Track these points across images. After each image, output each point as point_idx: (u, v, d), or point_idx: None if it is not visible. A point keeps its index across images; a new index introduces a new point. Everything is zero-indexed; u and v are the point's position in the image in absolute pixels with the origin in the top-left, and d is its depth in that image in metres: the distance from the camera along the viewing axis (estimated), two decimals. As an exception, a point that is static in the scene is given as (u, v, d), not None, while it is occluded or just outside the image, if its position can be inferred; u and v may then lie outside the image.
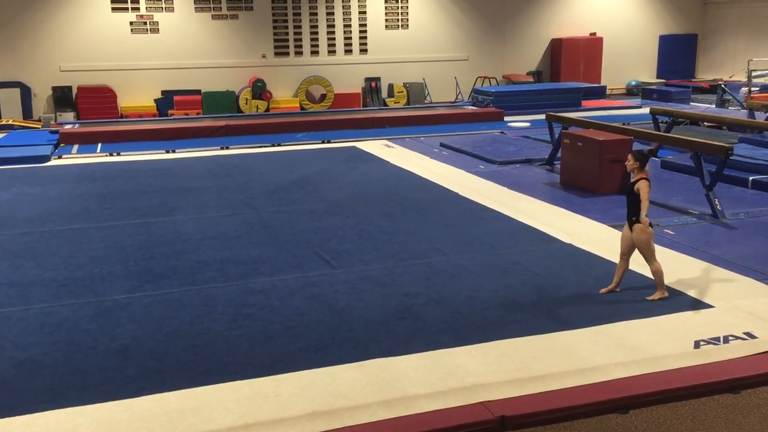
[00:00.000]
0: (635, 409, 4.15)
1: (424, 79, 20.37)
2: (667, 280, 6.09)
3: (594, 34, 22.04)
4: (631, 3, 22.73)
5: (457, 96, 20.57)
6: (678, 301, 5.73)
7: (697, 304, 5.66)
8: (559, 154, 10.72)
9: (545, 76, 22.03)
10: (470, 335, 5.18)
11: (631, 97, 21.23)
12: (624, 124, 12.56)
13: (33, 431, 4.05)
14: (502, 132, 15.12)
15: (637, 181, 5.70)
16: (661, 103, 17.88)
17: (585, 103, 18.40)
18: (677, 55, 23.07)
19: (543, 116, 12.40)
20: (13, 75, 17.41)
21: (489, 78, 21.00)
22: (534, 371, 4.62)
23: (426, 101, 20.18)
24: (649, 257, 5.73)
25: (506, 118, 16.66)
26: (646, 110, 15.30)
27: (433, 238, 7.56)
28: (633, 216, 5.70)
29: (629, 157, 5.82)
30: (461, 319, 5.50)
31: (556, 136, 11.22)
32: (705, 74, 23.25)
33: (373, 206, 9.00)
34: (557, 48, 21.80)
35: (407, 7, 20.35)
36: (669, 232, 7.68)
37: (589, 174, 9.56)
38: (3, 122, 16.43)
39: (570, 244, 7.32)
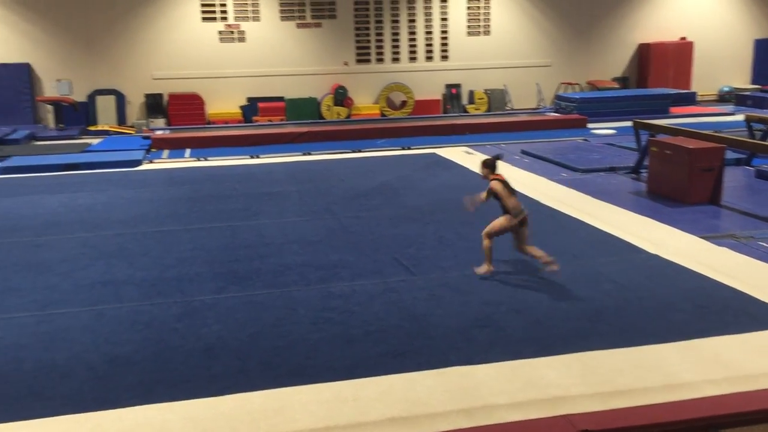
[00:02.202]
0: (728, 428, 3.98)
1: (505, 85, 20.17)
2: (761, 295, 5.82)
3: (684, 38, 21.30)
4: (724, 6, 21.84)
5: (539, 102, 20.28)
6: (774, 318, 5.46)
7: (794, 321, 5.38)
8: (645, 162, 10.41)
9: (632, 82, 21.43)
10: (552, 346, 5.09)
11: (724, 104, 20.39)
12: (716, 132, 12.08)
13: (125, 425, 4.21)
14: (585, 139, 14.80)
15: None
16: (757, 110, 17.09)
17: (673, 110, 17.80)
18: (774, 59, 22.02)
19: (629, 123, 12.08)
20: (109, 83, 18.26)
21: (572, 84, 20.60)
22: (619, 385, 4.49)
23: (507, 108, 19.98)
24: (489, 233, 6.48)
25: (590, 125, 16.31)
26: (739, 117, 14.67)
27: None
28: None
29: (481, 167, 6.65)
30: (542, 330, 5.40)
31: (643, 143, 10.90)
32: (804, 79, 22.10)
33: (452, 213, 8.96)
34: (645, 53, 21.18)
35: (489, 13, 20.22)
36: (763, 244, 7.33)
37: (678, 183, 9.24)
38: (99, 128, 17.26)
39: (656, 255, 7.08)
